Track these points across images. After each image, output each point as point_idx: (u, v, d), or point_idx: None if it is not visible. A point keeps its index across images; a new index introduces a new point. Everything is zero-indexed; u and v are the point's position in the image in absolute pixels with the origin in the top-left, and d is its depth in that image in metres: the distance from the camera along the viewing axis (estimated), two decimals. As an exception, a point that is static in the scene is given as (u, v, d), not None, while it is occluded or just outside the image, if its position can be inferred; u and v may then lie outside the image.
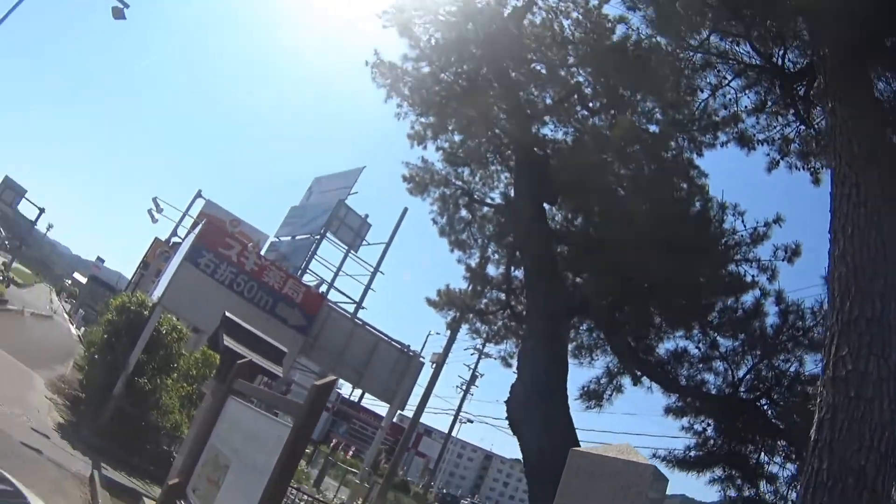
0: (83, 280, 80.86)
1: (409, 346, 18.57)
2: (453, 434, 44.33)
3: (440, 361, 21.92)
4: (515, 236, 13.42)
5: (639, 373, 12.38)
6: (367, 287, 22.55)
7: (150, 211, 23.01)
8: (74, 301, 71.34)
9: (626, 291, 11.11)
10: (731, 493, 11.13)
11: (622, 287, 11.17)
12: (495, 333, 15.40)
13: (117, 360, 13.53)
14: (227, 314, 9.57)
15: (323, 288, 21.38)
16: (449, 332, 19.23)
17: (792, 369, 10.90)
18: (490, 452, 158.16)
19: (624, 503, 4.79)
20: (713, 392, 11.39)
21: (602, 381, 13.03)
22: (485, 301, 15.18)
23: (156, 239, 37.22)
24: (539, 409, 10.18)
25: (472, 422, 53.08)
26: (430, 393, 22.61)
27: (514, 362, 14.14)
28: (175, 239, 27.93)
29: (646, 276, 10.88)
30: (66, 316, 55.90)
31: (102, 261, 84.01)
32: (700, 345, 11.80)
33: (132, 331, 13.82)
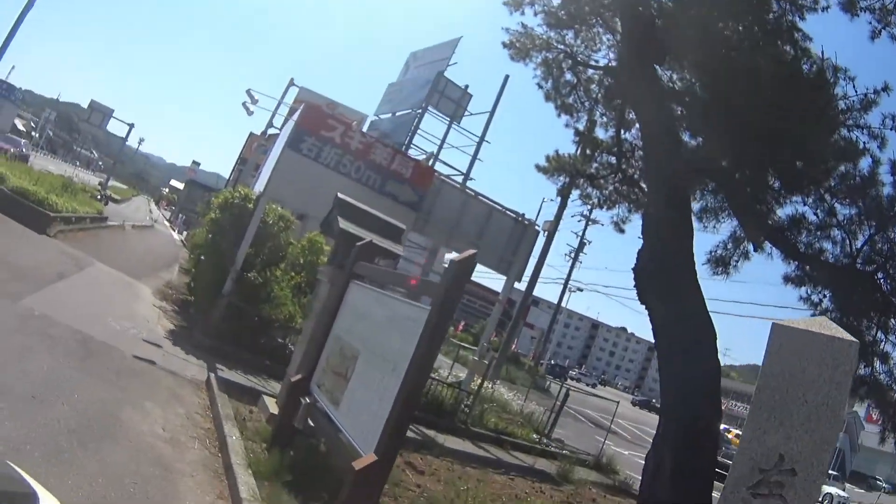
0: (180, 186, 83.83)
1: (523, 214, 17.52)
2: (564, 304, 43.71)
3: (552, 229, 20.89)
4: (627, 98, 12.42)
5: (761, 237, 11.21)
6: (474, 157, 21.45)
7: (244, 104, 22.47)
8: (174, 208, 74.13)
9: (743, 152, 10.02)
10: None
11: (739, 148, 10.03)
12: (606, 198, 14.69)
13: (224, 259, 13.22)
14: (340, 195, 8.75)
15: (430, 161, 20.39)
16: (559, 199, 18.15)
17: None
18: (597, 321, 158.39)
19: (830, 385, 3.99)
20: (831, 261, 10.70)
21: (729, 247, 11.86)
22: (595, 165, 14.62)
23: (251, 134, 37.28)
24: (668, 277, 9.53)
25: (581, 290, 52.17)
26: (542, 262, 21.67)
27: (628, 227, 14.29)
28: (271, 130, 27.53)
29: (761, 137, 9.70)
30: (166, 223, 58.27)
31: (198, 164, 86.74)
32: (818, 212, 10.93)
33: (237, 226, 13.40)
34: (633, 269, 9.99)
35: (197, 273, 14.63)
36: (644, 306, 9.91)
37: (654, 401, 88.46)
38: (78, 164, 72.58)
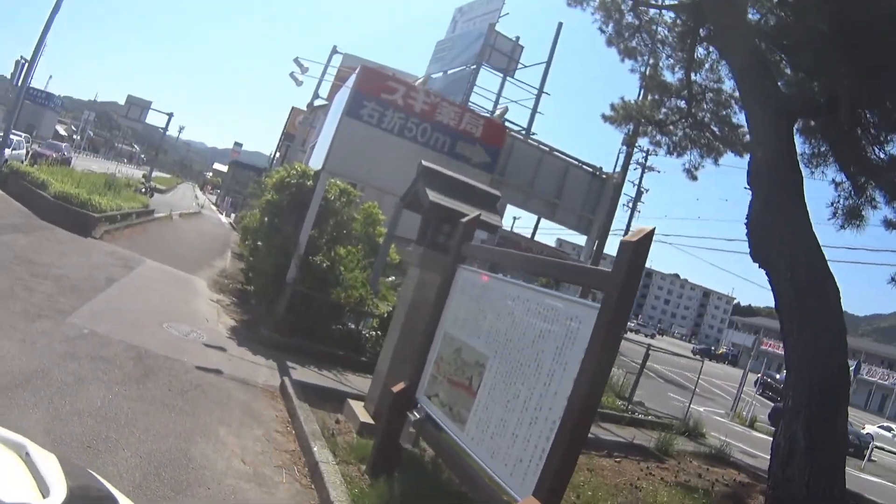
0: (224, 169, 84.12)
1: (600, 168, 16.10)
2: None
3: (619, 181, 19.14)
4: (714, 34, 11.66)
5: (863, 180, 10.37)
6: (534, 111, 19.88)
7: (292, 74, 21.16)
8: (219, 191, 74.39)
9: (849, 88, 8.69)
10: None
11: (844, 83, 8.69)
12: (676, 144, 14.03)
13: (285, 243, 12.11)
14: (425, 163, 7.54)
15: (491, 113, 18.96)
16: (625, 149, 17.00)
17: None
18: (650, 269, 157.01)
19: None
20: None
21: (852, 196, 10.60)
22: (664, 111, 14.01)
23: (293, 108, 36.31)
24: (787, 229, 8.58)
25: None
26: (612, 216, 19.82)
27: (700, 174, 13.78)
28: (318, 101, 26.18)
29: (869, 70, 8.47)
30: (213, 207, 58.21)
31: (240, 145, 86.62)
32: None
33: (297, 206, 12.28)
34: (747, 222, 9.01)
35: (255, 261, 13.59)
36: (758, 263, 8.83)
37: (713, 349, 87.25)
38: (124, 160, 73.42)
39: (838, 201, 10.36)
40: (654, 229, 3.97)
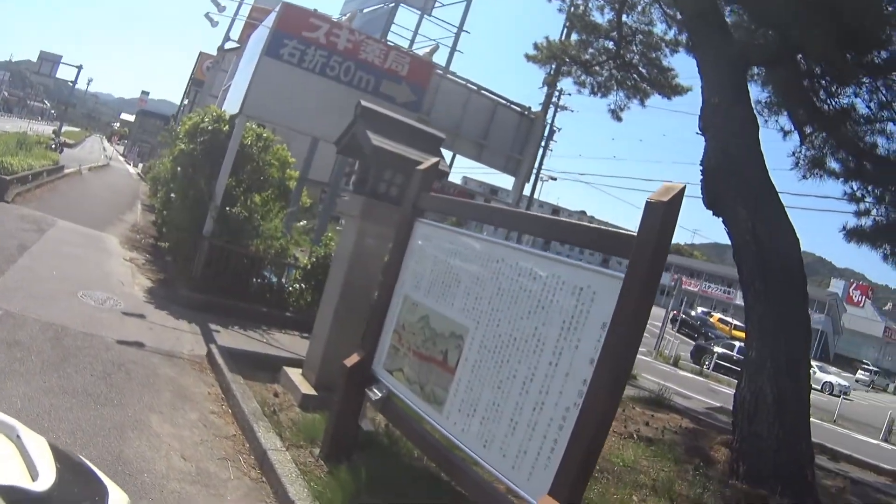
0: (131, 118, 78.43)
1: (529, 107, 15.13)
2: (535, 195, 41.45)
3: (542, 119, 18.23)
4: None
5: (811, 131, 9.89)
6: (453, 49, 18.38)
7: (207, 14, 18.80)
8: (126, 141, 69.49)
9: (798, 37, 8.19)
10: None
11: (793, 32, 8.17)
12: (602, 85, 13.50)
13: (200, 193, 10.59)
14: (364, 103, 6.34)
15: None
16: (546, 89, 16.19)
17: None
18: (556, 206, 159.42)
19: None
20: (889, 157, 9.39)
21: (818, 145, 10.00)
22: (591, 51, 13.42)
23: (201, 53, 33.26)
24: (746, 176, 7.88)
25: (555, 179, 49.62)
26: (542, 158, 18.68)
27: (626, 115, 13.27)
28: (229, 44, 23.62)
29: (818, 21, 7.71)
30: (121, 158, 54.25)
31: (147, 94, 79.96)
32: (871, 104, 9.42)
33: (212, 153, 10.77)
34: (703, 168, 8.19)
35: (169, 215, 11.99)
36: (713, 210, 8.12)
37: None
38: (37, 118, 66.87)
39: (800, 151, 9.85)
40: (684, 187, 3.04)
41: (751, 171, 7.79)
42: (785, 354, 7.04)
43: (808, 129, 9.23)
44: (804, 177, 10.07)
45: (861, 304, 67.29)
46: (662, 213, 2.97)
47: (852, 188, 9.65)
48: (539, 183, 48.77)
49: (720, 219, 8.06)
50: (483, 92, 14.29)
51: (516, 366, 3.53)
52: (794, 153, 9.73)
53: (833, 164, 9.45)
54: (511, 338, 3.62)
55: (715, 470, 6.96)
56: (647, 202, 3.04)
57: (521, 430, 3.39)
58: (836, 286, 69.43)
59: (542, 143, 41.98)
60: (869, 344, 64.53)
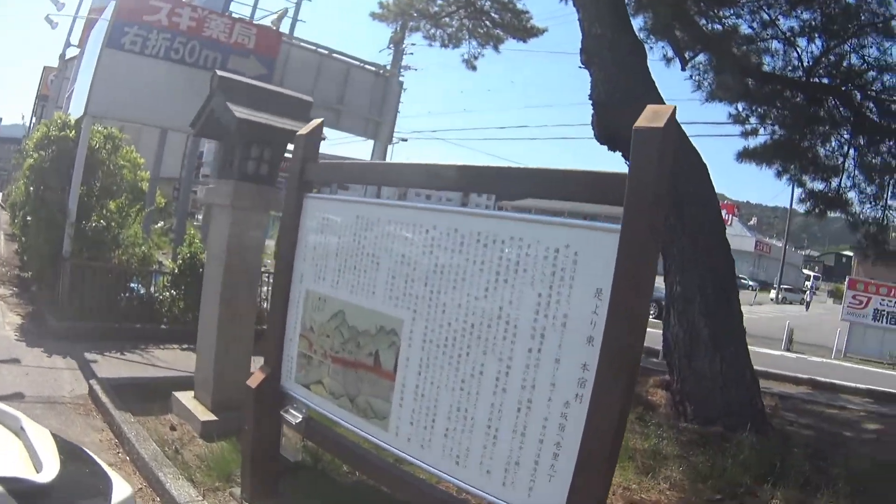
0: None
1: (384, 66, 13.96)
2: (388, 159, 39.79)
3: (397, 77, 16.97)
4: None
5: (697, 52, 9.16)
6: (295, 17, 16.57)
7: (48, 17, 15.78)
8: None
9: None
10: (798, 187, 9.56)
11: None
12: (452, 36, 12.55)
13: (53, 211, 8.60)
14: (221, 73, 5.11)
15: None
16: (393, 47, 15.11)
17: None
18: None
19: None
20: (774, 74, 9.02)
21: (701, 70, 9.56)
22: (439, 2, 12.32)
23: (45, 68, 28.91)
24: (638, 108, 6.58)
25: (405, 140, 47.89)
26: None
27: (480, 63, 12.23)
28: (70, 51, 20.30)
29: None
30: (-28, 189, 47.70)
31: (-1, 118, 69.56)
32: (754, 24, 8.96)
33: (62, 165, 8.80)
34: (594, 102, 7.35)
35: (28, 241, 9.91)
36: (608, 145, 7.37)
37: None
38: None
39: (700, 75, 9.10)
40: (674, 108, 2.21)
41: (646, 99, 7.01)
42: (712, 284, 6.44)
43: (689, 54, 8.63)
44: (707, 100, 9.41)
45: (729, 223, 71.08)
46: (660, 143, 2.04)
47: (737, 109, 9.28)
48: (389, 146, 47.18)
49: (617, 153, 7.30)
50: (335, 55, 12.92)
51: (481, 358, 2.52)
52: (692, 76, 9.09)
53: (718, 88, 8.95)
54: (466, 325, 2.58)
55: (658, 415, 6.32)
56: (636, 130, 2.08)
57: (504, 438, 2.44)
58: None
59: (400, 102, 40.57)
60: (743, 259, 68.19)
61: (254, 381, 3.85)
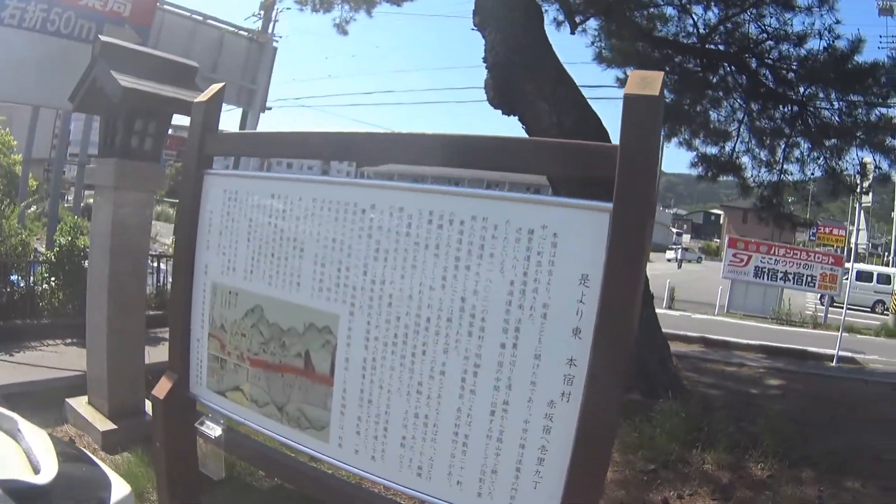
0: None
1: (257, 30, 12.92)
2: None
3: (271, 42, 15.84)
4: None
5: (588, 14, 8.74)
6: None
7: None
8: None
9: None
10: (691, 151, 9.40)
11: None
12: (324, 1, 11.44)
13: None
14: (105, 38, 4.29)
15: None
16: (262, 13, 14.05)
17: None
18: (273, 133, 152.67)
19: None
20: (669, 38, 8.81)
21: (592, 34, 9.30)
22: None
23: None
24: (541, 67, 6.65)
25: (270, 108, 43.79)
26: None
27: (352, 28, 10.96)
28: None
29: None
30: None
31: None
32: None
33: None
34: (489, 65, 6.84)
35: None
36: (502, 109, 6.95)
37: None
38: None
39: (599, 41, 8.83)
40: (663, 75, 1.84)
41: (544, 61, 6.63)
42: None
43: (580, 18, 8.25)
44: (608, 67, 9.12)
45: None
46: (655, 112, 1.68)
47: (625, 73, 8.96)
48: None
49: (513, 116, 6.91)
50: (210, 21, 11.70)
51: (441, 357, 2.08)
52: (593, 42, 8.78)
53: (609, 52, 8.71)
54: (420, 319, 2.12)
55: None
56: (627, 98, 1.67)
57: (476, 445, 2.04)
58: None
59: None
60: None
61: (160, 390, 3.17)
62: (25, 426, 1.63)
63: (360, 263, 2.30)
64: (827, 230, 27.29)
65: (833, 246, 24.94)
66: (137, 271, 4.74)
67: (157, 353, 5.23)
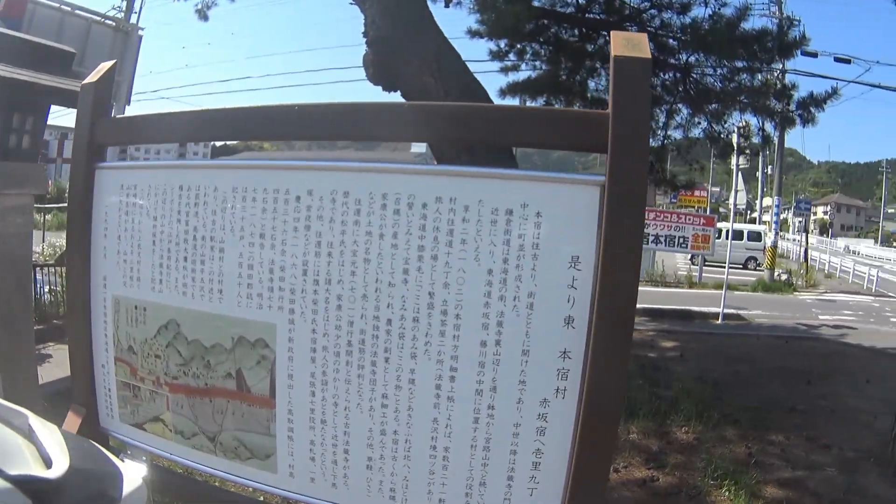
0: None
1: (122, 18, 11.88)
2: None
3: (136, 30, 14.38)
4: None
5: None
6: None
7: None
8: None
9: None
10: None
11: None
12: None
13: None
14: None
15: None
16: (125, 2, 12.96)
17: None
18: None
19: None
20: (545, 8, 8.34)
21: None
22: None
23: None
24: (421, 43, 6.10)
25: (129, 104, 38.78)
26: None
27: (213, 12, 9.39)
28: None
29: None
30: None
31: None
32: None
33: None
34: (370, 40, 6.31)
35: None
36: (384, 86, 6.46)
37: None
38: None
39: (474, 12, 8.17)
40: (646, 36, 1.58)
41: (427, 33, 6.17)
42: None
43: None
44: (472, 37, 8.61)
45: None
46: (647, 75, 1.38)
47: (499, 46, 8.54)
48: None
49: (395, 92, 6.37)
50: (77, 11, 10.51)
51: (408, 363, 1.72)
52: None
53: (478, 24, 8.26)
54: (379, 322, 1.74)
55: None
56: (617, 60, 1.36)
57: (459, 458, 1.72)
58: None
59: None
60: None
61: (70, 425, 2.55)
62: (36, 421, 1.54)
63: (297, 262, 1.86)
64: (688, 193, 28.84)
65: (694, 207, 26.28)
66: (22, 286, 3.96)
67: (45, 373, 4.48)
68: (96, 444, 1.70)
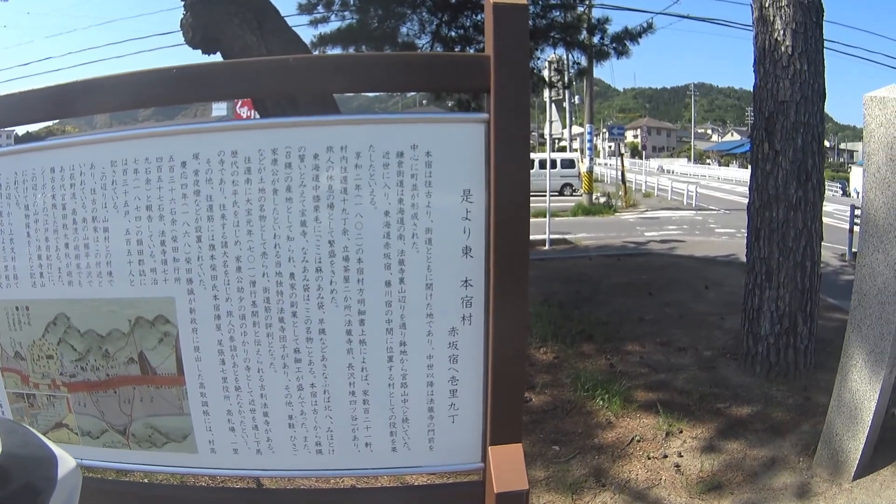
0: None
1: None
2: None
3: None
4: None
5: None
6: None
7: None
8: None
9: None
10: None
11: None
12: None
13: None
14: None
15: None
16: None
17: None
18: None
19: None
20: None
21: None
22: None
23: None
24: (240, 4, 5.93)
25: None
26: None
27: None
28: None
29: None
30: None
31: None
32: None
33: None
34: (189, 2, 5.91)
35: None
36: (203, 49, 6.15)
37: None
38: None
39: None
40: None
41: None
42: None
43: None
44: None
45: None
46: (518, 19, 1.49)
47: (308, 1, 8.17)
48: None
49: (215, 55, 6.10)
50: None
51: (316, 314, 1.71)
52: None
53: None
54: (282, 277, 1.70)
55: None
56: (496, 6, 1.45)
57: (379, 398, 1.73)
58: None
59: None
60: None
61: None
62: None
63: (190, 230, 1.77)
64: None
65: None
66: None
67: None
68: (31, 429, 1.51)
